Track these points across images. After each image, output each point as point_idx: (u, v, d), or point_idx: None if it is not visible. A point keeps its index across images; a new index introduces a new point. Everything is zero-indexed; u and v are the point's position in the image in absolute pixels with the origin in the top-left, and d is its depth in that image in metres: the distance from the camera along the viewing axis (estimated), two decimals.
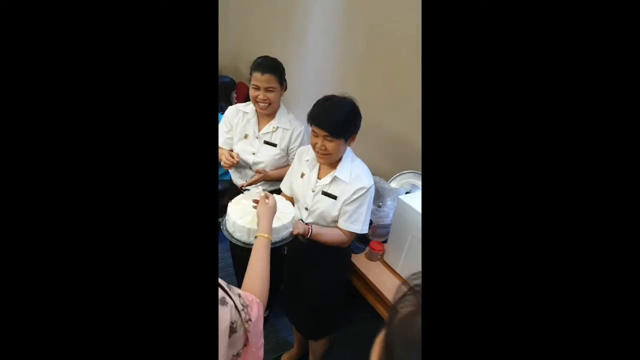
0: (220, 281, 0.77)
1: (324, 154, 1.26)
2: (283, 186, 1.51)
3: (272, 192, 1.48)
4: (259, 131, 1.64)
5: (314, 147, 1.27)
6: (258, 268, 0.94)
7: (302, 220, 1.38)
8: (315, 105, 1.27)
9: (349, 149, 1.34)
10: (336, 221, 1.35)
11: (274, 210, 1.13)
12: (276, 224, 1.18)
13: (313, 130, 1.24)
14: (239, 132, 1.67)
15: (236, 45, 3.31)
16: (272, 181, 1.68)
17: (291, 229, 1.25)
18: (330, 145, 1.23)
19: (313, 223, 1.37)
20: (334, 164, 1.32)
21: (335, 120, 1.21)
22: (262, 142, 1.64)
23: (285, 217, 1.24)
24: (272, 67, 1.53)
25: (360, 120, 1.29)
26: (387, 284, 1.51)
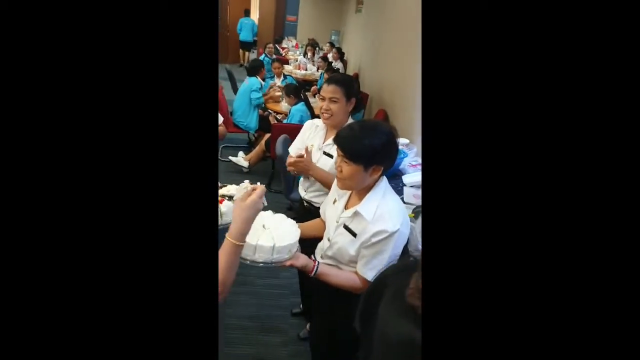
0: None
1: (339, 178, 1.16)
2: (320, 210, 1.45)
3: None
4: (322, 143, 1.69)
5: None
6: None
7: (313, 258, 1.26)
8: (345, 131, 1.17)
9: (385, 182, 1.19)
10: (353, 262, 1.20)
11: (249, 210, 0.92)
12: (266, 242, 1.13)
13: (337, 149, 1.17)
14: (308, 143, 1.74)
15: (381, 71, 3.97)
16: (318, 182, 1.66)
17: (285, 256, 1.16)
18: (346, 168, 1.12)
19: (332, 258, 1.26)
20: (360, 195, 1.19)
21: (355, 143, 1.10)
22: (322, 152, 1.68)
23: (281, 240, 1.16)
24: (339, 80, 1.60)
25: (392, 153, 1.15)
26: None
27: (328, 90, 1.56)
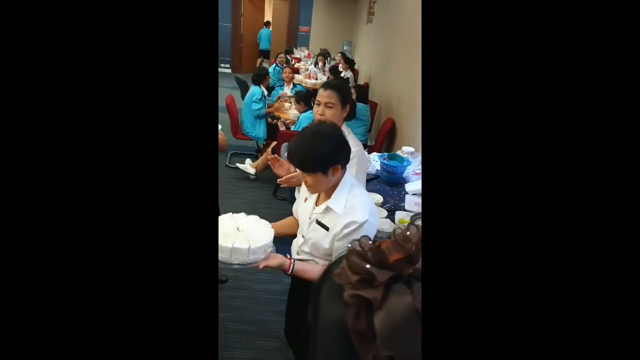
0: None
1: (308, 186, 1.23)
2: (293, 209, 1.49)
3: None
4: None
5: None
6: None
7: (289, 256, 1.30)
8: (293, 137, 1.23)
9: (349, 176, 1.26)
10: (329, 254, 1.26)
11: None
12: (242, 245, 1.16)
13: None
14: None
15: (391, 81, 4.11)
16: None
17: (261, 256, 1.19)
18: (309, 178, 1.18)
19: (308, 253, 1.31)
20: (329, 192, 1.25)
21: (307, 157, 1.15)
22: None
23: (256, 241, 1.19)
24: (335, 85, 1.63)
25: (344, 150, 1.19)
26: None
27: (324, 95, 1.59)
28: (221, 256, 1.17)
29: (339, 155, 1.18)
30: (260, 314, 2.19)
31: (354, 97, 3.88)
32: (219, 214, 1.28)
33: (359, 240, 0.40)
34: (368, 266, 0.36)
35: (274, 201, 3.50)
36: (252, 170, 3.81)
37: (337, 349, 0.38)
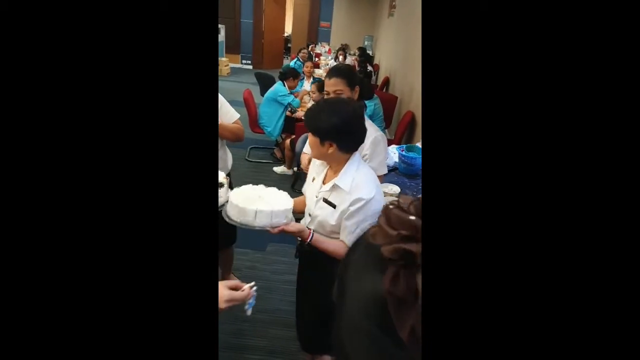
0: None
1: (328, 163, 1.27)
2: (303, 189, 1.52)
3: None
4: None
5: None
6: None
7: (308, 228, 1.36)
8: (312, 105, 1.27)
9: (358, 156, 1.27)
10: (335, 232, 1.28)
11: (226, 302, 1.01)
12: (265, 207, 1.22)
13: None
14: None
15: (411, 75, 4.12)
16: None
17: (283, 220, 1.25)
18: (330, 151, 1.21)
19: (315, 231, 1.34)
20: (337, 169, 1.27)
21: (321, 124, 1.17)
22: None
23: (278, 205, 1.26)
24: (339, 71, 1.60)
25: (360, 128, 1.23)
26: None
27: (330, 83, 1.57)
28: (244, 219, 1.22)
29: (351, 132, 1.21)
30: (276, 304, 2.20)
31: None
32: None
33: (397, 198, 0.39)
34: (413, 217, 0.34)
35: (291, 193, 3.51)
36: (289, 172, 3.93)
37: (368, 323, 0.36)
